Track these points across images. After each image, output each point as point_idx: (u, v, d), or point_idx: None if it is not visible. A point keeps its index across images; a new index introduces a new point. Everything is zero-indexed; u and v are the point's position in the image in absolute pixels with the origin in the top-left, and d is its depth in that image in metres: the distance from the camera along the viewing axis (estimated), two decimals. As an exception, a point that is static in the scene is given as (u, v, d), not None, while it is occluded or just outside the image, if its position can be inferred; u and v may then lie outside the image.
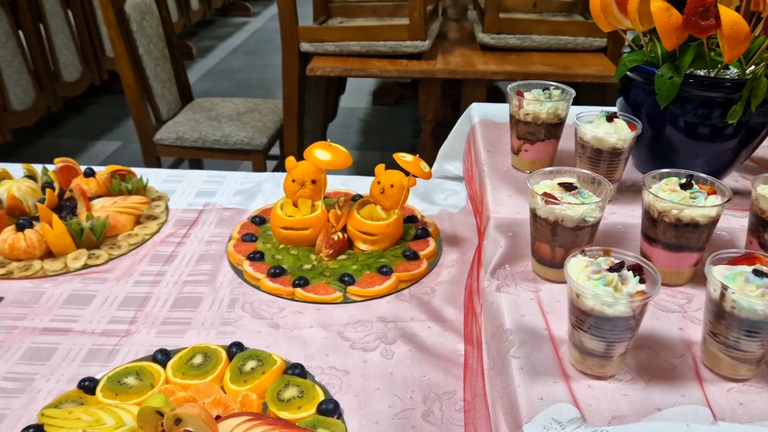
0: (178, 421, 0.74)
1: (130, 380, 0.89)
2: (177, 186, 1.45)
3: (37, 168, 1.39)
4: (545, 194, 0.80)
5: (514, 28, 2.48)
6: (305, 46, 2.45)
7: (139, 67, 2.70)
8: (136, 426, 0.78)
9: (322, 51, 2.44)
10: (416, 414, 0.86)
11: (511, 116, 1.08)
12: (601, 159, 0.94)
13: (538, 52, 2.49)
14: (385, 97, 4.84)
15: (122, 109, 4.41)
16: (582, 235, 0.81)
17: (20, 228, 1.16)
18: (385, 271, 1.13)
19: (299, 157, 1.19)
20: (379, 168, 1.23)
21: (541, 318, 0.79)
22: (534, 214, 0.83)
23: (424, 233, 1.25)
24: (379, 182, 1.21)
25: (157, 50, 2.82)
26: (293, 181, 1.23)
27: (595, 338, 0.67)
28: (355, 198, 1.36)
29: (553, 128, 1.05)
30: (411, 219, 1.29)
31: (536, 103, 1.03)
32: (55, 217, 1.16)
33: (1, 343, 0.98)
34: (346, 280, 1.11)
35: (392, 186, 1.20)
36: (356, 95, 4.72)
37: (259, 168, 2.73)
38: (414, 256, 1.18)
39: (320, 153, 1.17)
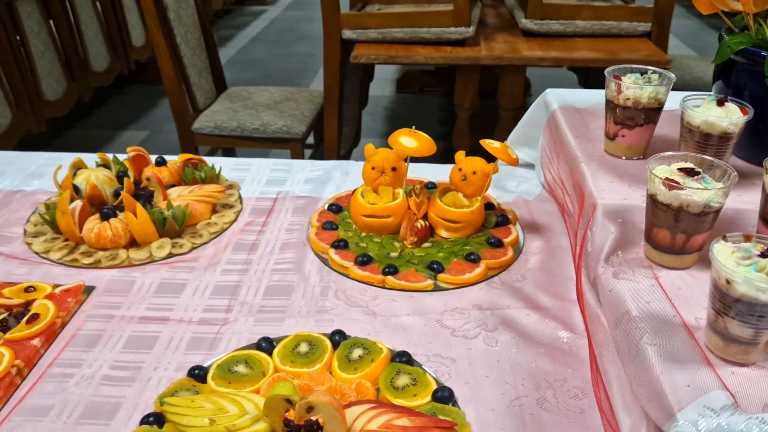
0: (309, 409, 0.74)
1: (241, 368, 0.89)
2: (245, 174, 1.45)
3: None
4: (668, 179, 0.79)
5: (558, 14, 2.46)
6: (347, 34, 2.43)
7: (177, 55, 2.69)
8: (261, 414, 0.78)
9: (364, 38, 2.42)
10: (531, 401, 0.86)
11: (609, 101, 1.06)
12: (709, 144, 0.92)
13: (582, 38, 2.47)
14: (409, 85, 4.81)
15: (148, 99, 4.41)
16: (705, 221, 0.80)
17: (105, 217, 1.16)
18: (473, 259, 1.13)
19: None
20: (460, 155, 1.22)
21: (669, 305, 0.78)
22: (654, 200, 0.82)
23: (504, 220, 1.24)
24: (460, 169, 1.20)
25: (194, 39, 2.81)
26: (373, 168, 1.22)
27: (743, 324, 0.66)
28: (428, 186, 1.35)
29: (653, 113, 1.03)
30: (488, 206, 1.28)
31: (637, 88, 1.01)
32: (139, 206, 1.16)
33: (102, 332, 0.98)
34: (435, 267, 1.11)
35: (474, 173, 1.19)
36: (380, 84, 4.70)
37: (297, 157, 2.72)
38: (498, 244, 1.17)
39: (406, 140, 1.16)
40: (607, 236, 0.89)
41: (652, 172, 0.81)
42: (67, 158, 1.46)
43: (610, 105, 1.06)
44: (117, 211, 1.18)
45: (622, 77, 1.04)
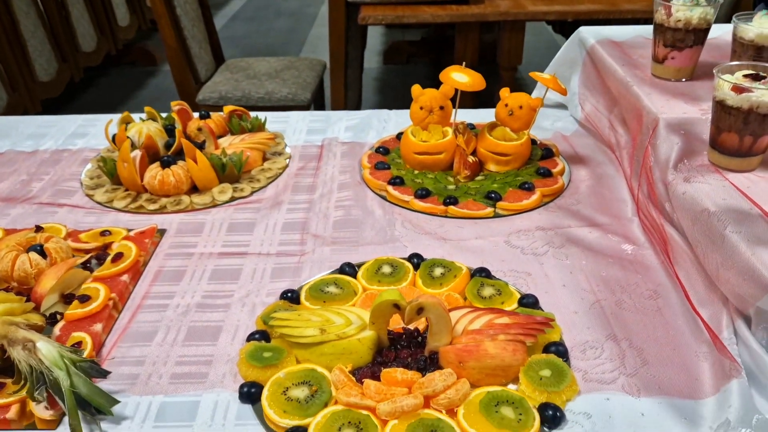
0: (420, 310, 0.79)
1: (332, 289, 0.93)
2: (285, 126, 1.47)
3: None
4: (737, 85, 0.84)
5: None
6: (352, -4, 2.44)
7: (178, 27, 2.67)
8: (365, 323, 0.82)
9: (369, 0, 2.43)
10: (610, 303, 0.91)
11: (658, 25, 1.11)
12: (763, 56, 0.98)
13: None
14: (396, 56, 4.81)
15: (135, 81, 4.36)
16: (772, 122, 0.86)
17: (165, 165, 1.18)
18: (527, 187, 1.17)
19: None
20: (504, 91, 1.26)
21: (744, 199, 0.83)
22: (722, 105, 0.87)
23: (548, 153, 1.29)
24: (506, 105, 1.24)
25: (192, 10, 2.80)
26: (421, 108, 1.25)
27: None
28: (470, 126, 1.39)
29: (702, 34, 1.08)
30: (531, 142, 1.33)
31: (687, 10, 1.06)
32: (199, 153, 1.18)
33: (185, 268, 1.01)
34: (492, 196, 1.15)
35: (521, 107, 1.23)
36: (367, 55, 4.69)
37: (304, 124, 2.73)
38: (548, 173, 1.22)
39: (458, 75, 1.19)
40: (672, 147, 0.95)
41: (721, 78, 0.86)
42: (103, 119, 1.48)
43: (660, 29, 1.10)
44: (177, 159, 1.20)
45: (671, 1, 1.09)
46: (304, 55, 4.84)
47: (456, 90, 1.23)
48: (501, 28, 2.72)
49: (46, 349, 0.75)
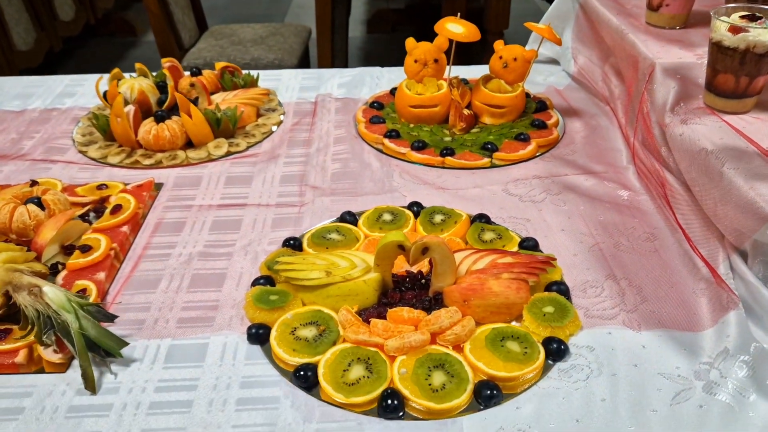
0: (425, 250, 0.79)
1: (334, 236, 0.93)
2: (277, 84, 1.46)
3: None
4: (733, 25, 0.85)
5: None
6: (338, -42, 2.41)
7: (160, -9, 2.62)
8: (373, 263, 0.83)
9: (356, -38, 2.40)
10: (608, 246, 0.93)
11: (653, -28, 1.11)
12: (758, 0, 0.99)
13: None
14: (381, 25, 4.77)
15: (113, 51, 4.27)
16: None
17: (159, 120, 1.17)
18: (523, 138, 1.18)
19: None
20: (498, 44, 1.26)
21: (740, 138, 0.85)
22: (719, 46, 0.88)
23: (542, 106, 1.30)
24: (500, 57, 1.24)
25: (175, -25, 2.74)
26: (415, 61, 1.25)
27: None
28: (463, 81, 1.39)
29: (696, -19, 1.09)
30: (524, 96, 1.33)
31: (682, -44, 1.07)
32: (193, 107, 1.17)
33: (185, 219, 1.01)
34: (489, 147, 1.16)
35: (515, 60, 1.23)
36: (351, 25, 4.66)
37: (291, 90, 2.71)
38: (543, 125, 1.23)
39: (453, 26, 1.19)
40: (669, 91, 0.96)
41: (718, 20, 0.86)
42: (91, 79, 1.47)
43: (655, -24, 1.11)
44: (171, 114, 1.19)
45: (664, -52, 1.09)
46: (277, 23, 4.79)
47: (450, 43, 1.23)
48: (488, -8, 2.71)
49: (53, 293, 0.75)
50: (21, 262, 0.83)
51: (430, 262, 0.82)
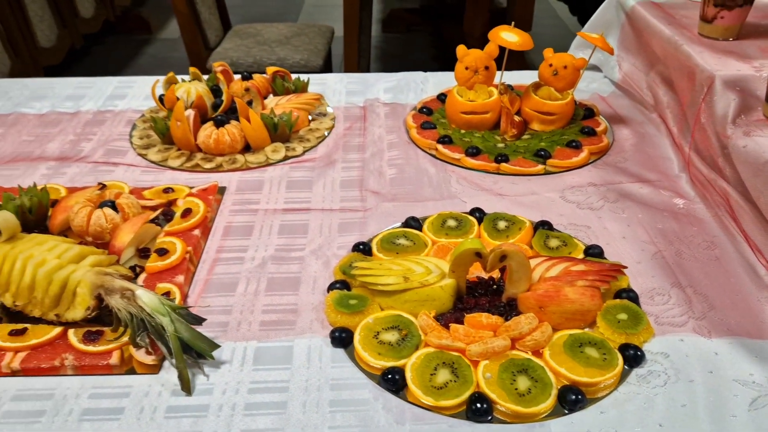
0: (503, 257, 0.82)
1: (403, 241, 0.96)
2: (323, 88, 1.48)
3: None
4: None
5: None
6: (367, -39, 2.43)
7: (187, -9, 2.64)
8: (443, 272, 0.85)
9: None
10: (670, 254, 0.95)
11: (710, -16, 1.14)
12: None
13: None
14: (396, 25, 4.78)
15: (131, 49, 4.29)
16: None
17: (219, 124, 1.19)
18: (574, 145, 1.20)
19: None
20: (548, 51, 1.28)
21: (807, 149, 0.87)
22: (784, 61, 0.90)
23: (590, 113, 1.32)
24: (550, 65, 1.27)
25: (201, -26, 2.76)
26: (466, 68, 1.27)
27: None
28: (509, 87, 1.41)
29: (752, -7, 1.11)
30: (569, 103, 1.35)
31: (739, -31, 1.09)
32: (252, 112, 1.19)
33: (252, 223, 1.03)
34: (542, 154, 1.18)
35: (565, 67, 1.25)
36: (368, 25, 4.67)
37: (317, 90, 2.73)
38: (592, 132, 1.25)
39: (507, 35, 1.21)
40: (729, 103, 0.98)
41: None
42: (140, 81, 1.49)
43: (710, -12, 1.13)
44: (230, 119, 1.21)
45: (721, -38, 1.11)
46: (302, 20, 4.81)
47: (502, 50, 1.25)
48: (512, -6, 2.73)
49: (146, 296, 0.78)
50: (106, 266, 0.86)
51: (500, 269, 0.84)
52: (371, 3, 2.96)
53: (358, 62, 2.71)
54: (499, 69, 1.29)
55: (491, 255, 0.81)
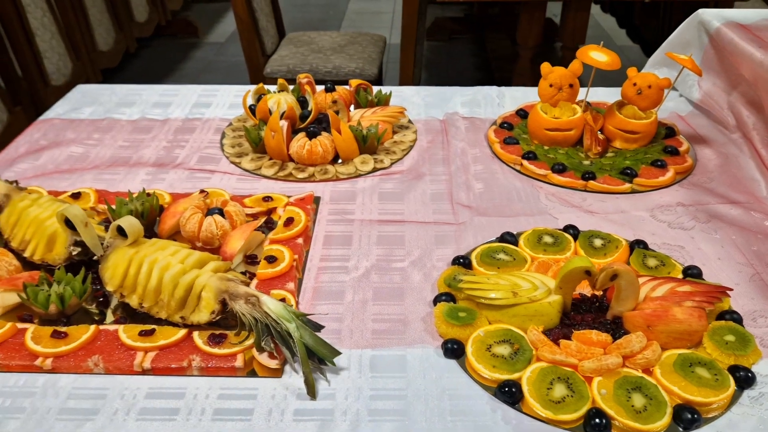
0: (614, 276, 0.84)
1: (502, 256, 0.98)
2: (400, 100, 1.51)
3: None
4: None
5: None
6: (428, -27, 2.46)
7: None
8: (556, 286, 0.87)
9: (446, -23, 2.45)
10: (768, 276, 0.96)
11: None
12: None
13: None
14: (439, 34, 4.81)
15: (178, 52, 4.38)
16: None
17: (312, 136, 1.23)
18: (660, 165, 1.22)
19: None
20: (632, 70, 1.30)
21: None
22: None
23: (671, 132, 1.33)
24: (635, 84, 1.28)
25: (261, -17, 2.82)
26: (551, 85, 1.29)
27: None
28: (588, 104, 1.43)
29: None
30: (648, 121, 1.36)
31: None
32: (343, 124, 1.22)
33: (350, 233, 1.06)
34: (628, 172, 1.20)
35: (650, 87, 1.27)
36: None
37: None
38: (675, 152, 1.26)
39: (597, 54, 1.23)
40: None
41: None
42: (223, 90, 1.53)
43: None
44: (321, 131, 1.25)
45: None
46: (343, 30, 4.86)
47: (586, 68, 1.27)
48: (566, 6, 2.74)
49: (272, 303, 0.81)
50: (223, 272, 0.89)
51: (616, 285, 0.86)
52: (426, 13, 2.99)
53: (413, 72, 2.74)
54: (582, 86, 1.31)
55: (602, 274, 0.83)
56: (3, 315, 0.88)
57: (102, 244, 0.93)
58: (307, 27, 5.00)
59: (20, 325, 0.85)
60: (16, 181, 1.09)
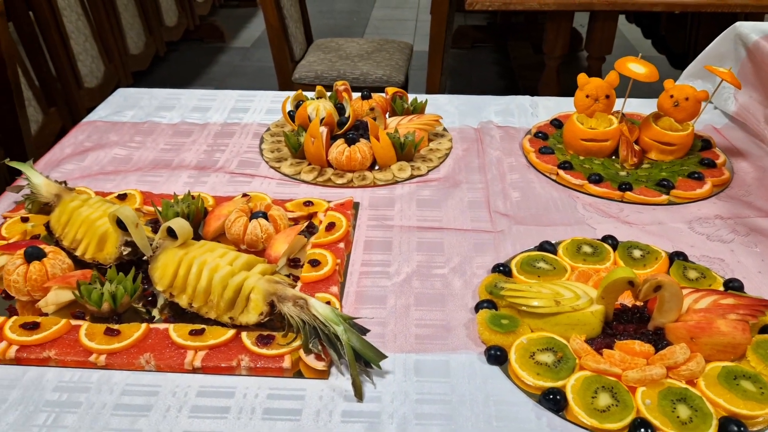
0: (657, 287, 0.84)
1: (542, 265, 0.99)
2: (434, 109, 1.53)
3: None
4: None
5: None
6: (458, -18, 2.48)
7: (278, 6, 2.73)
8: (598, 296, 0.88)
9: (475, -14, 2.46)
10: (809, 291, 0.96)
11: None
12: None
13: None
14: (462, 41, 4.83)
15: (205, 57, 4.43)
16: None
17: (351, 142, 1.25)
18: (697, 177, 1.22)
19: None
20: (669, 82, 1.30)
21: None
22: None
23: (707, 144, 1.33)
24: (671, 96, 1.29)
25: (290, -11, 2.85)
26: (587, 96, 1.30)
27: None
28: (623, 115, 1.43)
29: None
30: (684, 133, 1.37)
31: None
32: (381, 131, 1.24)
33: (390, 239, 1.08)
34: (665, 184, 1.20)
35: (687, 99, 1.27)
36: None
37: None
38: (712, 164, 1.26)
39: (635, 66, 1.24)
40: None
41: None
42: (260, 95, 1.56)
43: None
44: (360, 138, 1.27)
45: None
46: (367, 37, 4.89)
47: (622, 79, 1.28)
48: (594, 16, 2.74)
49: (320, 306, 0.83)
50: (270, 274, 0.91)
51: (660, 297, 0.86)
52: (453, 23, 3.02)
53: (440, 80, 2.76)
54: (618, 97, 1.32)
55: (645, 285, 0.84)
56: (56, 312, 0.90)
57: (151, 244, 0.95)
58: (333, 33, 5.04)
59: (74, 322, 0.87)
60: (65, 182, 1.12)
